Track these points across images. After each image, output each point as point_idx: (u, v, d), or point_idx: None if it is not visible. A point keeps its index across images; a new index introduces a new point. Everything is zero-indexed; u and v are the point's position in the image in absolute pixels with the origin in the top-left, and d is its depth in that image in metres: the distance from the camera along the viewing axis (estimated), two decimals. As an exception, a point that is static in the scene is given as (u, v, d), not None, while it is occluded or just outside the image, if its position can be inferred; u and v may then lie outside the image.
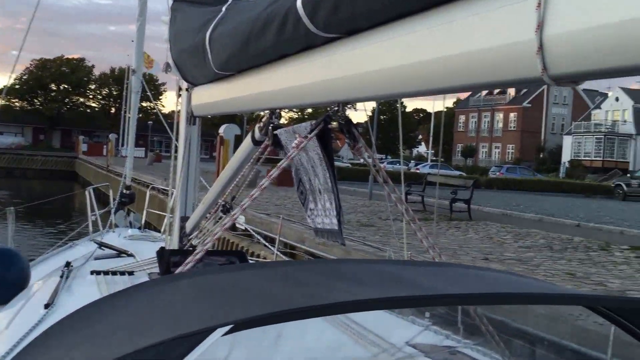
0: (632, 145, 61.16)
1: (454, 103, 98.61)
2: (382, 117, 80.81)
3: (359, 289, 1.27)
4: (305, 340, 2.47)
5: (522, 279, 1.86)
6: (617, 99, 64.94)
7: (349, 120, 2.04)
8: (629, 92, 65.37)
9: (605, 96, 69.22)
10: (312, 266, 1.68)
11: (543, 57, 1.19)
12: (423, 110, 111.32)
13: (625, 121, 62.78)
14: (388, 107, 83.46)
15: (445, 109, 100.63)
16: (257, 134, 2.69)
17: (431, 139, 73.65)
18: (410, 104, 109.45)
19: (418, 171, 44.77)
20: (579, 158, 62.46)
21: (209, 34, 2.43)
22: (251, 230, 10.37)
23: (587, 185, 45.17)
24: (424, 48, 1.46)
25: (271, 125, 2.49)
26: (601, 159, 60.83)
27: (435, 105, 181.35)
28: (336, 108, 2.01)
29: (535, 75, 1.22)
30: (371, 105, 30.33)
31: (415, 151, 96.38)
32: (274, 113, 2.52)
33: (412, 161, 63.29)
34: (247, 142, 2.86)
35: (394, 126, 78.41)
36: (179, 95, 3.40)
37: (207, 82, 2.85)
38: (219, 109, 3.06)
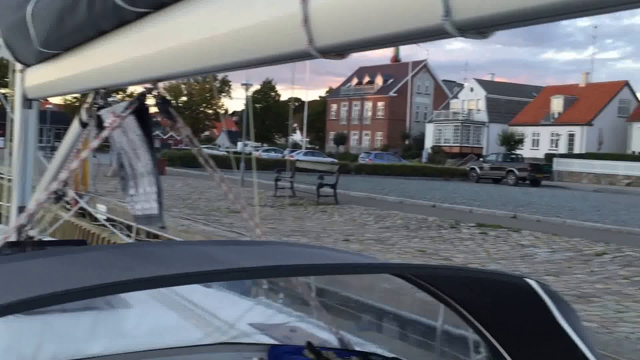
0: (485, 132, 65.52)
1: (327, 92, 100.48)
2: (257, 105, 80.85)
3: (161, 269, 1.26)
4: (133, 323, 2.46)
5: (339, 253, 1.96)
6: (471, 90, 69.19)
7: (165, 99, 2.04)
8: (482, 83, 69.88)
9: (462, 87, 73.44)
10: (122, 249, 1.64)
11: (309, 29, 1.17)
12: (298, 99, 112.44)
13: (479, 110, 67.06)
14: (263, 95, 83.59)
15: (319, 98, 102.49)
16: (83, 116, 2.58)
17: (305, 126, 74.84)
18: (286, 93, 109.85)
19: (292, 158, 45.27)
20: (440, 144, 65.99)
21: (30, 8, 2.25)
22: (102, 219, 10.16)
23: (446, 169, 47.96)
24: (219, 22, 1.46)
25: (95, 106, 2.39)
26: (459, 144, 64.65)
27: (309, 94, 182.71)
28: (151, 86, 2.00)
29: (302, 48, 1.22)
30: (245, 94, 30.34)
31: (290, 139, 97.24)
32: (98, 93, 2.43)
33: (287, 149, 63.77)
34: (74, 124, 2.73)
35: (270, 115, 78.65)
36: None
37: (38, 62, 2.67)
38: (52, 91, 2.91)
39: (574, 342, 1.94)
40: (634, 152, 52.40)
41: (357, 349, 2.54)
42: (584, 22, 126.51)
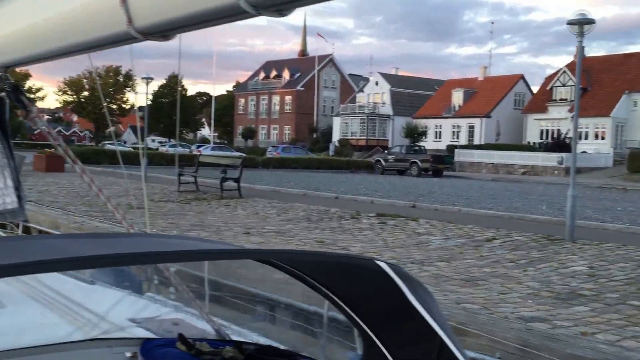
0: (390, 124, 67.04)
1: (233, 87, 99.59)
2: (163, 100, 78.97)
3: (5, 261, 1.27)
4: (3, 322, 2.39)
5: (205, 242, 2.01)
6: (377, 83, 70.61)
7: (15, 87, 1.96)
8: (387, 76, 71.45)
9: (367, 81, 74.77)
10: None
11: (127, 7, 1.16)
12: (206, 94, 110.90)
13: (384, 103, 68.53)
14: (169, 90, 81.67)
15: (226, 92, 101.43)
16: None
17: (212, 121, 73.91)
18: (193, 88, 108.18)
19: (200, 153, 44.63)
20: (347, 137, 66.95)
21: None
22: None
23: (353, 161, 48.75)
24: (38, 9, 1.44)
25: None
26: (365, 137, 65.83)
27: (216, 89, 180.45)
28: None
29: (123, 29, 1.20)
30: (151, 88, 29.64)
31: (199, 134, 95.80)
32: None
33: (195, 144, 62.78)
34: None
35: (175, 109, 77.06)
36: None
37: None
38: None
39: (424, 319, 2.04)
40: (529, 142, 55.13)
41: (235, 338, 2.57)
42: (484, 18, 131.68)
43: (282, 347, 3.60)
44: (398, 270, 2.05)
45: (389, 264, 2.03)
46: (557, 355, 4.56)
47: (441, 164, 40.96)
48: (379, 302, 2.06)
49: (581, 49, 11.48)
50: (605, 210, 18.01)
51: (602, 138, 51.33)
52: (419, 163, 39.98)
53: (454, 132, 60.92)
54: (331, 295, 2.08)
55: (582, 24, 11.12)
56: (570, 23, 11.13)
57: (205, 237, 10.89)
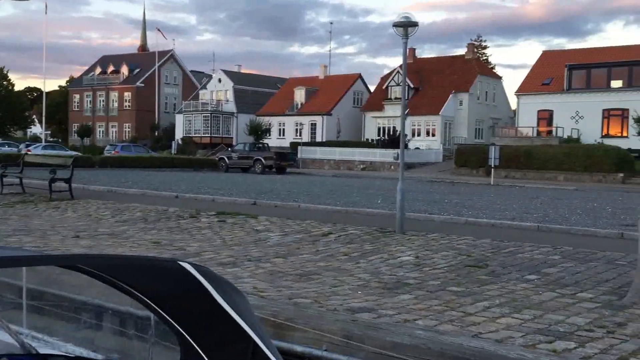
0: (234, 122, 66.90)
1: (67, 82, 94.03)
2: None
3: None
4: None
5: (5, 250, 1.90)
6: (219, 80, 70.07)
7: None
8: (230, 74, 71.17)
9: (210, 77, 73.95)
10: None
11: None
12: (37, 89, 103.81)
13: (227, 100, 68.21)
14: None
15: (59, 88, 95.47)
16: None
17: (44, 118, 69.20)
18: (21, 83, 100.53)
19: (29, 152, 41.63)
20: (190, 135, 65.82)
21: None
22: None
23: (196, 159, 48.02)
24: None
25: None
26: (209, 135, 65.14)
27: (46, 84, 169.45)
28: None
29: None
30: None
31: (29, 132, 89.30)
32: None
33: (24, 142, 58.39)
34: None
35: (3, 106, 71.16)
36: None
37: None
38: None
39: (235, 320, 2.02)
40: (367, 139, 57.52)
41: (45, 351, 2.39)
42: (325, 18, 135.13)
43: (97, 356, 3.43)
44: (204, 271, 2.01)
45: (194, 265, 1.99)
46: (378, 343, 4.76)
47: (284, 161, 41.50)
48: (189, 305, 2.03)
49: (405, 50, 12.12)
50: (434, 203, 19.22)
51: (433, 135, 54.81)
52: (263, 160, 40.22)
53: (297, 129, 62.01)
54: (144, 299, 2.03)
55: (406, 26, 11.73)
56: (396, 25, 11.71)
57: (28, 242, 10.15)
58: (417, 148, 50.75)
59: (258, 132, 51.46)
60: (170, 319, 2.03)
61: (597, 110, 47.10)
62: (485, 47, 79.14)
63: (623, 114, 45.75)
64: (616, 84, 47.48)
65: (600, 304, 6.80)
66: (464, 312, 6.34)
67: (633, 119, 35.51)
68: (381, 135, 55.64)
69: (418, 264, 9.17)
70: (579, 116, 47.72)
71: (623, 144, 41.83)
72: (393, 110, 56.08)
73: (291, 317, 5.27)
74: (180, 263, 1.93)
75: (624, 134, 45.10)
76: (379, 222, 13.30)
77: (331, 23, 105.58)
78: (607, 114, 47.16)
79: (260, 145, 44.41)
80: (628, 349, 5.18)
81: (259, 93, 70.00)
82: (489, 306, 6.62)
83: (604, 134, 46.47)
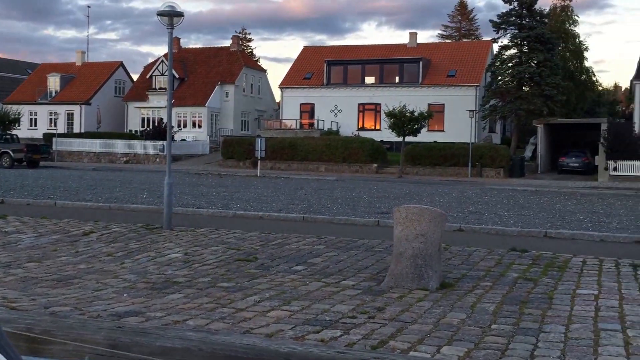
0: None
1: None
2: None
3: None
4: None
5: None
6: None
7: None
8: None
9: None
10: None
11: None
12: None
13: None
14: None
15: None
16: None
17: None
18: None
19: None
20: None
21: None
22: None
23: None
24: None
25: None
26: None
27: None
28: None
29: None
30: None
31: None
32: None
33: None
34: None
35: None
36: None
37: None
38: None
39: None
40: (130, 130, 55.26)
41: None
42: (83, 1, 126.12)
43: None
44: None
45: None
46: (146, 350, 4.49)
47: (37, 153, 38.16)
48: None
49: (171, 40, 11.72)
50: (201, 196, 19.05)
51: (199, 126, 54.45)
52: (12, 153, 36.59)
53: (51, 119, 57.39)
54: None
55: (172, 15, 11.37)
56: (161, 14, 11.28)
57: None
58: (184, 140, 50.01)
59: (5, 121, 46.58)
60: None
61: (353, 104, 50.57)
62: (250, 40, 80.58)
63: (376, 109, 49.67)
64: (370, 80, 51.42)
65: (361, 290, 7.22)
66: (235, 308, 6.30)
67: (384, 113, 38.74)
68: (146, 127, 53.84)
69: (187, 260, 8.95)
70: (338, 110, 50.82)
71: (377, 136, 45.49)
72: (158, 101, 54.60)
73: (48, 329, 4.75)
74: None
75: (377, 127, 48.99)
76: (145, 219, 12.79)
77: (89, 7, 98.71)
78: (363, 108, 50.86)
79: (9, 136, 40.28)
80: (387, 332, 5.54)
81: (5, 79, 63.48)
82: (260, 300, 6.66)
83: (360, 127, 50.06)
